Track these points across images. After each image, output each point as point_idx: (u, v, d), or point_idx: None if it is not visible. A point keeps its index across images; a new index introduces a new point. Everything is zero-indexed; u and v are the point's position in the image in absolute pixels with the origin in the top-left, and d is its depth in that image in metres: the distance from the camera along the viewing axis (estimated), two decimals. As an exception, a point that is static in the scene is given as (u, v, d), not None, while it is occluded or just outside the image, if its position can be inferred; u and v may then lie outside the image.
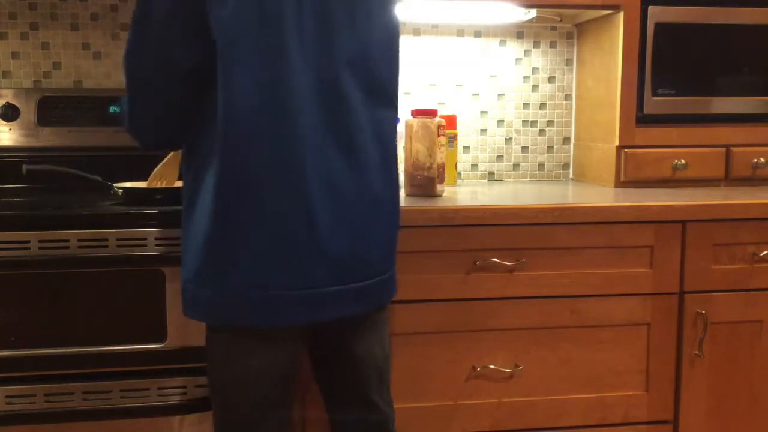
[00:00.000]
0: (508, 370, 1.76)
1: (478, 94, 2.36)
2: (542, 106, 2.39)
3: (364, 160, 1.33)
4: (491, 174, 2.39)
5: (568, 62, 2.39)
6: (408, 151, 1.87)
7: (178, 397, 1.61)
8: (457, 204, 1.73)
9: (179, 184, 1.76)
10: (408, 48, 2.30)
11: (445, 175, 1.94)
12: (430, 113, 1.86)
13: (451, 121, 2.16)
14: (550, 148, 2.41)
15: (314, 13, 1.27)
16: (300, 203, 1.26)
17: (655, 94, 2.08)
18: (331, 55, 1.29)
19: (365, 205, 1.33)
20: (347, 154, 1.31)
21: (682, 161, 2.10)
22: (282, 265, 1.26)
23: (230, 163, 1.24)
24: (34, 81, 2.15)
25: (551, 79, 2.39)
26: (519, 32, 2.35)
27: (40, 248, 1.54)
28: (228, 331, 1.33)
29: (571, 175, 2.42)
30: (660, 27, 2.05)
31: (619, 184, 2.10)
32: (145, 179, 1.80)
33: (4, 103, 2.03)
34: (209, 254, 1.27)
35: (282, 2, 1.23)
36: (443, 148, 1.89)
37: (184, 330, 1.60)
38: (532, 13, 2.13)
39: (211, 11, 1.21)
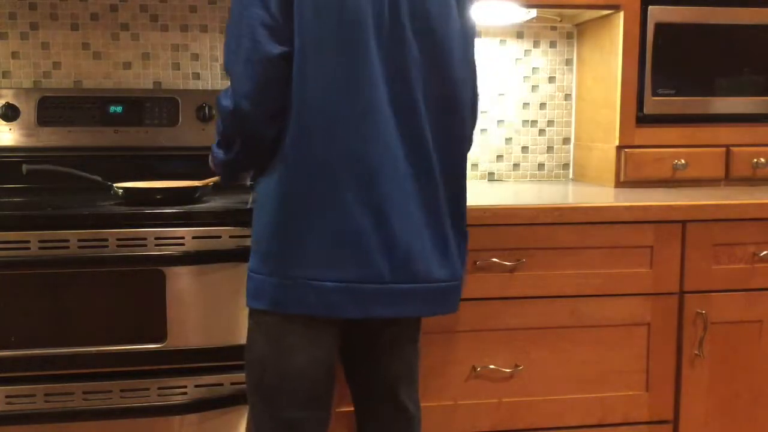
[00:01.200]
0: (508, 370, 1.76)
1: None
2: (542, 106, 2.39)
3: (429, 162, 1.36)
4: (491, 174, 2.39)
5: (568, 62, 2.38)
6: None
7: (178, 397, 1.61)
8: (457, 204, 1.73)
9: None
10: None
11: (445, 175, 1.94)
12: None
13: (451, 121, 2.15)
14: (550, 148, 2.40)
15: (390, 17, 1.31)
16: (370, 196, 1.29)
17: (655, 94, 2.07)
18: (404, 57, 1.32)
19: (424, 205, 1.36)
20: (415, 155, 1.34)
21: (682, 161, 2.10)
22: (348, 258, 1.29)
23: (302, 154, 1.28)
24: (34, 81, 2.15)
25: (551, 79, 2.38)
26: (519, 32, 2.35)
27: (40, 248, 1.54)
28: (278, 322, 1.34)
29: (571, 175, 2.41)
30: (660, 27, 2.05)
31: (619, 184, 2.10)
32: (145, 179, 1.81)
33: (4, 103, 2.03)
34: (275, 243, 1.31)
35: (360, 4, 1.28)
36: (443, 148, 1.89)
37: (184, 330, 1.60)
38: (533, 13, 2.13)
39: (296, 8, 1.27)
